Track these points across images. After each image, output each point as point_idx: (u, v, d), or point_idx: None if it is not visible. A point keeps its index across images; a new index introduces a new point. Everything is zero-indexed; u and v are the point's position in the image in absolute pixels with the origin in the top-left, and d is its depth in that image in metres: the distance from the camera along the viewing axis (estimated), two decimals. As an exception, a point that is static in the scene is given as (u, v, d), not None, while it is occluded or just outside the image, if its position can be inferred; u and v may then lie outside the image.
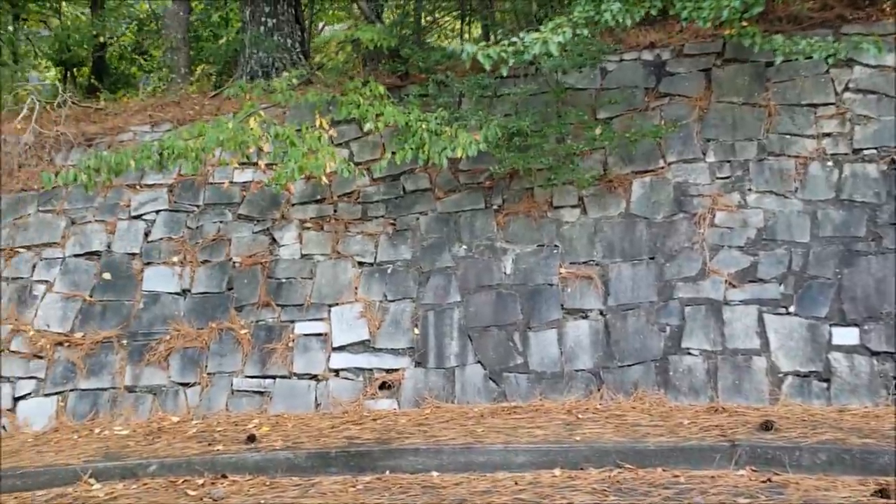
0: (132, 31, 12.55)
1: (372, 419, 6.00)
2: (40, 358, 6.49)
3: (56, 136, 7.83)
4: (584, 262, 6.47)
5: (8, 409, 6.28)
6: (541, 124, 6.49)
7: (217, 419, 6.18)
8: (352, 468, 5.11)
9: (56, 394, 6.37)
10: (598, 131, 6.51)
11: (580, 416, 5.73)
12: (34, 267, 7.00)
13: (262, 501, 4.65)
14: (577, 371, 6.18)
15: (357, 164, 6.82)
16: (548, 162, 6.39)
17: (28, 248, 7.10)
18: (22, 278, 6.93)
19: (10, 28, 10.91)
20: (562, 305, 6.36)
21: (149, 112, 8.24)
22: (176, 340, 6.61)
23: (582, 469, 4.82)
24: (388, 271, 6.78)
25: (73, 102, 8.65)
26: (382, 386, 6.39)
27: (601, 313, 6.31)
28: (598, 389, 6.08)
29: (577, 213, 6.65)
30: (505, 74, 5.84)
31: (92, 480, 5.09)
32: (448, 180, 7.01)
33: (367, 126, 6.29)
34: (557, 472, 4.82)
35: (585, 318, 6.31)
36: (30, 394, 6.37)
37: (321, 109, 6.74)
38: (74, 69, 11.71)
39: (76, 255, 7.05)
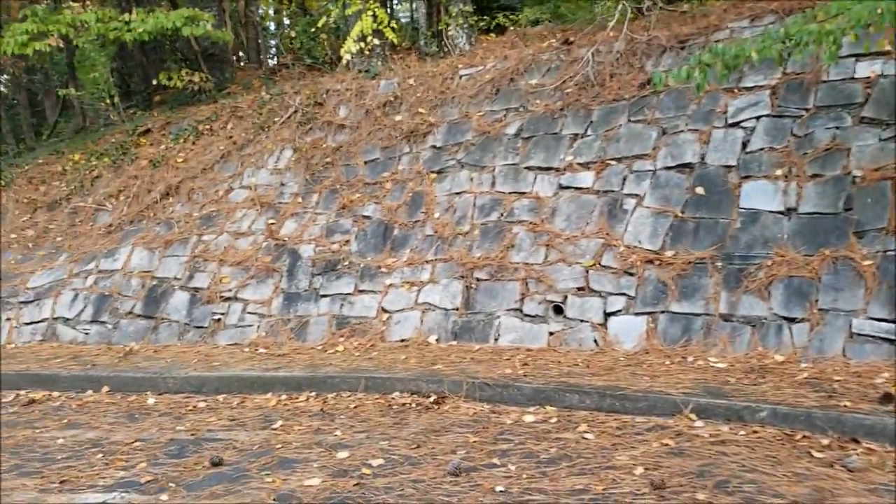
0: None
1: None
2: (630, 275, 6.37)
3: (647, 40, 7.59)
4: None
5: (599, 324, 6.32)
6: None
7: (832, 366, 5.23)
8: None
9: (646, 314, 6.18)
10: None
11: None
12: (624, 180, 6.90)
13: (923, 488, 3.61)
14: None
15: None
16: None
17: (618, 160, 7.03)
18: (612, 191, 6.90)
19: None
20: None
21: (747, 5, 7.40)
22: (779, 267, 5.81)
23: None
24: None
25: (660, 7, 8.31)
26: None
27: None
28: None
29: None
30: None
31: (692, 416, 4.70)
32: None
33: None
34: None
35: None
36: (620, 311, 6.31)
37: None
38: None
39: (667, 168, 6.73)
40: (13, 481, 4.46)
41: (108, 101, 11.66)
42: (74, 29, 10.18)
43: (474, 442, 4.63)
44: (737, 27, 7.21)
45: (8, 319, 8.65)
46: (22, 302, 8.72)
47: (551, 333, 6.48)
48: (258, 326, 7.61)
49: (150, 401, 6.24)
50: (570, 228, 6.90)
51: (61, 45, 10.59)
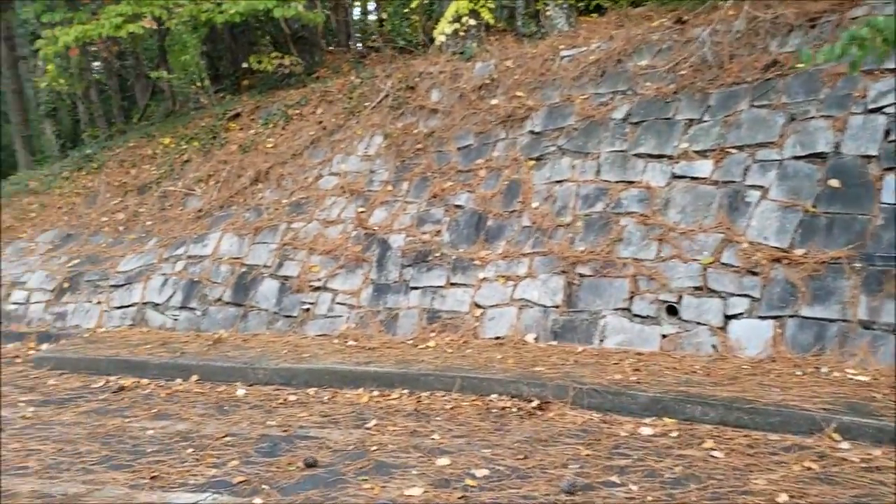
0: None
1: None
2: (754, 274, 5.88)
3: (772, 19, 7.02)
4: None
5: (718, 328, 5.85)
6: None
7: None
8: None
9: (772, 318, 5.68)
10: None
11: None
12: (746, 170, 6.39)
13: None
14: None
15: None
16: None
17: (740, 148, 6.52)
18: (733, 182, 6.40)
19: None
20: None
21: (891, -23, 6.76)
22: (929, 270, 5.24)
23: None
24: None
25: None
26: None
27: None
28: None
29: None
30: None
31: (836, 435, 4.24)
32: None
33: None
34: None
35: None
36: (742, 314, 5.83)
37: None
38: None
39: (796, 158, 6.19)
40: (104, 474, 4.36)
41: (198, 84, 11.71)
42: (167, 11, 10.21)
43: (587, 455, 4.29)
44: (878, 2, 6.58)
45: (98, 303, 8.74)
46: (112, 286, 8.80)
47: (664, 336, 6.05)
48: (347, 318, 7.43)
49: (240, 392, 6.12)
50: (686, 222, 6.43)
51: (155, 27, 10.63)
